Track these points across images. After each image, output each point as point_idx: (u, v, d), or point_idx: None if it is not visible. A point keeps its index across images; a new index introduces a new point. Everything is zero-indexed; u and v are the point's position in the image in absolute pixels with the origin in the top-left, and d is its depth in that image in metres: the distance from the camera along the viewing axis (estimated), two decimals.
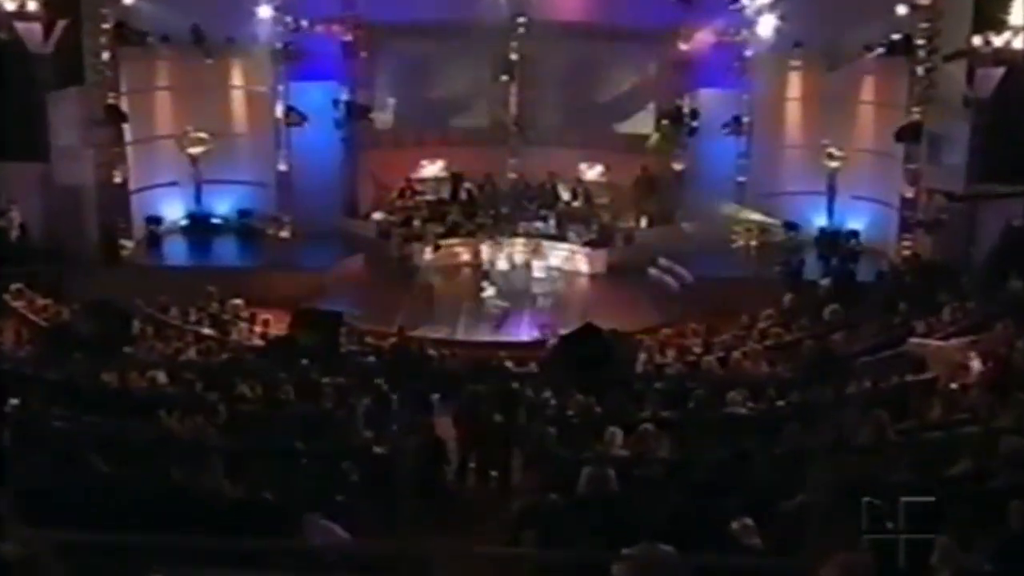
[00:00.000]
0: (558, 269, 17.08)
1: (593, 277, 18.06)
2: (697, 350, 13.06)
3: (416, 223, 18.95)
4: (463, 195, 19.98)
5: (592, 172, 20.18)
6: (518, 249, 17.56)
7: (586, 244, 18.39)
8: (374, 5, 18.29)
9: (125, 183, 17.89)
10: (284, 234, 18.49)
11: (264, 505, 7.22)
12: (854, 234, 18.21)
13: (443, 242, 17.96)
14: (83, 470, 7.36)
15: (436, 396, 11.28)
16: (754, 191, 18.65)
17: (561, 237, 18.21)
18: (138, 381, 10.40)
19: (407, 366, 12.13)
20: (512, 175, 20.28)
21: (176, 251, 18.48)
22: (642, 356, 12.55)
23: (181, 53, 17.96)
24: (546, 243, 17.66)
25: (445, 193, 20.22)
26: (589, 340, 11.04)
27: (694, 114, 18.90)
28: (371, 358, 12.85)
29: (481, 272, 16.49)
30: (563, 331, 13.21)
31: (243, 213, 19.04)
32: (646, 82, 19.43)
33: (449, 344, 14.26)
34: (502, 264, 16.99)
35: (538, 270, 16.27)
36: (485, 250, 17.30)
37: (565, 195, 20.08)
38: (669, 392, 10.44)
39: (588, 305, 16.40)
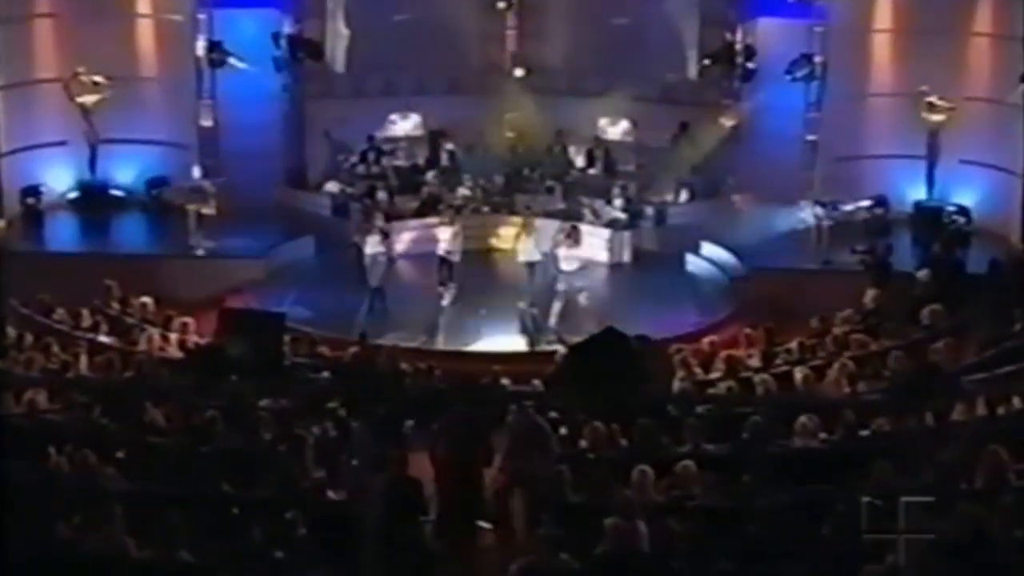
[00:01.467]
0: (588, 261, 16.87)
1: (615, 267, 18.07)
2: (753, 363, 13.05)
3: (382, 196, 18.94)
4: (445, 159, 20.01)
5: (615, 129, 20.21)
6: (551, 234, 17.50)
7: (607, 225, 18.40)
8: None
9: None
10: (208, 211, 18.44)
11: (180, 569, 7.19)
12: (962, 211, 18.24)
13: (393, 224, 17.87)
14: None
15: (409, 424, 11.28)
16: (828, 154, 18.66)
17: (573, 215, 18.20)
18: (12, 405, 10.35)
19: (371, 384, 12.11)
20: (509, 134, 20.31)
21: (63, 233, 18.45)
22: (679, 370, 12.55)
23: None
24: (583, 225, 17.43)
25: (421, 157, 20.26)
26: (610, 350, 11.00)
27: (750, 52, 18.89)
28: (324, 374, 12.84)
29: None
30: (575, 339, 13.21)
31: (153, 183, 19.01)
32: (687, 10, 19.43)
33: (427, 356, 14.25)
34: (529, 254, 16.28)
35: (566, 261, 15.94)
36: (513, 235, 16.94)
37: (579, 160, 20.12)
38: (715, 419, 10.44)
39: (609, 304, 16.38)
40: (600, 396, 10.36)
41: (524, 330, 15.58)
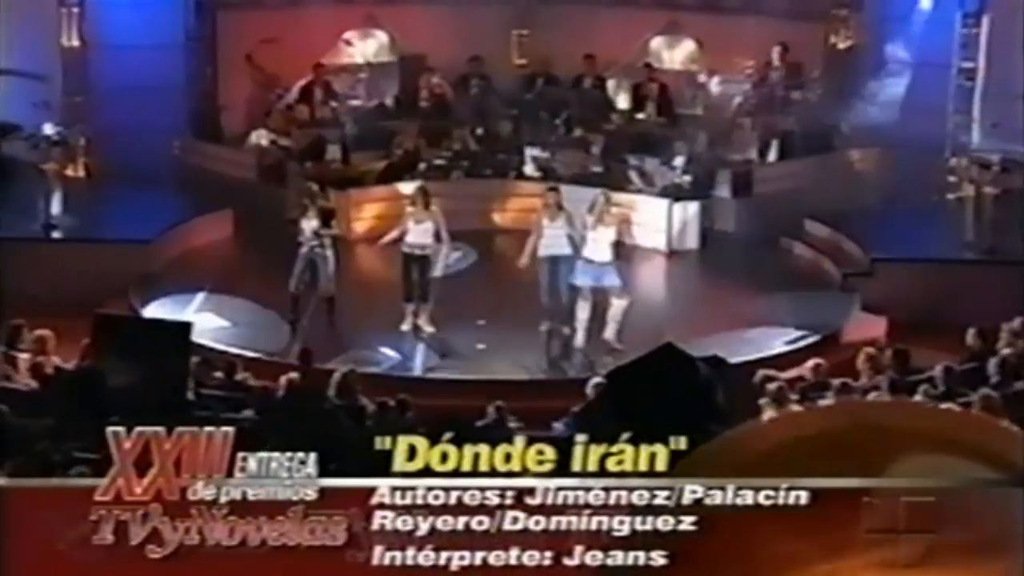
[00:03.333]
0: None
1: (675, 256, 18.15)
2: (878, 397, 13.04)
3: (334, 151, 18.93)
4: (424, 99, 20.00)
5: (675, 54, 20.22)
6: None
7: (662, 193, 18.44)
8: None
9: None
10: (74, 172, 18.48)
11: None
12: None
13: (350, 194, 17.80)
14: None
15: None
16: (993, 89, 18.60)
17: (614, 181, 18.20)
18: None
19: (316, 427, 12.12)
20: (519, 61, 20.28)
21: None
22: (768, 408, 12.55)
23: None
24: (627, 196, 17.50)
25: (390, 95, 20.25)
26: (667, 377, 11.01)
27: None
28: (248, 412, 12.86)
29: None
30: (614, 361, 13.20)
31: None
32: None
33: (398, 386, 14.25)
34: (553, 244, 15.77)
35: (595, 246, 15.60)
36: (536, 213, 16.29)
37: (622, 100, 20.11)
38: None
39: (666, 311, 16.47)
40: (653, 442, 10.36)
41: (553, 361, 15.65)
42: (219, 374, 13.67)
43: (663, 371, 11.05)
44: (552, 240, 15.73)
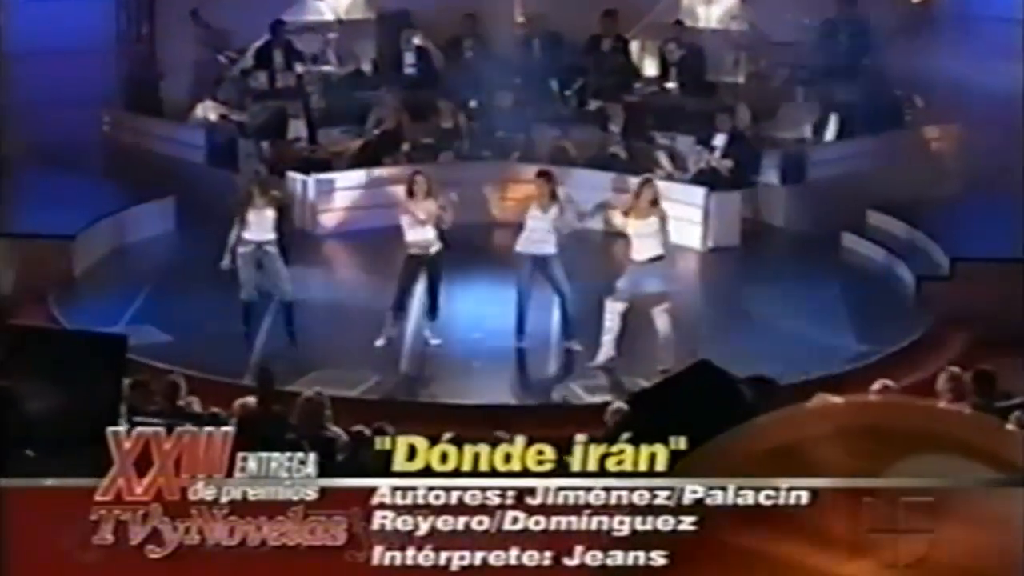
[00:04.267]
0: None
1: (713, 256, 18.27)
2: None
3: (298, 127, 18.97)
4: (408, 64, 20.05)
5: (711, 10, 20.29)
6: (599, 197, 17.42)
7: (697, 180, 18.53)
8: None
9: None
10: None
11: None
12: None
13: (317, 179, 17.91)
14: None
15: None
16: None
17: (637, 164, 18.24)
18: None
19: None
20: (522, 19, 20.32)
21: None
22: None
23: None
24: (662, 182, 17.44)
25: (366, 59, 20.29)
26: (704, 399, 11.06)
27: None
28: None
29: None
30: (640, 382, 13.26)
31: None
32: None
33: (376, 412, 14.29)
34: (538, 240, 15.86)
35: (640, 243, 15.58)
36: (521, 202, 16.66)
37: (649, 66, 20.17)
38: None
39: (702, 321, 16.56)
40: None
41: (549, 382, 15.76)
42: (159, 398, 13.71)
43: (698, 393, 11.08)
44: (537, 235, 15.81)
